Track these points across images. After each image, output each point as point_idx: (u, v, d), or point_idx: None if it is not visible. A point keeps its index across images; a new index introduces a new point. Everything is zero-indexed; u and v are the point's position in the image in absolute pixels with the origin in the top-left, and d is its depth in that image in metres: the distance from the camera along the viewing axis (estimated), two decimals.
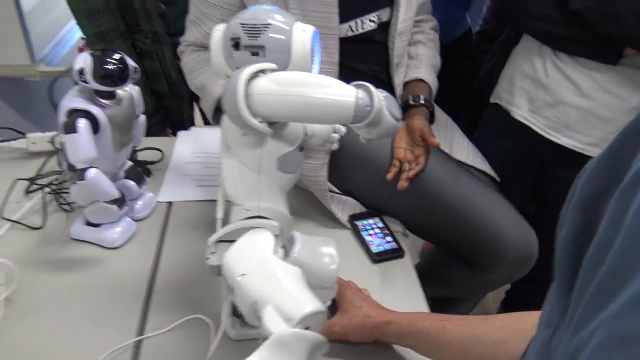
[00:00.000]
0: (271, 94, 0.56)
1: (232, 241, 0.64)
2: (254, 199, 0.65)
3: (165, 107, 1.45)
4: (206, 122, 1.40)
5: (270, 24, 0.61)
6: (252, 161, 0.63)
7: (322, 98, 0.57)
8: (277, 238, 0.65)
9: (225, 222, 0.68)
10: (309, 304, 0.56)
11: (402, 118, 0.64)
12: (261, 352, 0.53)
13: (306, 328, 0.56)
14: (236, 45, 0.62)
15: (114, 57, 0.82)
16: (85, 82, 0.82)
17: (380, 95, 0.60)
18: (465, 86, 1.42)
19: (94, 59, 0.81)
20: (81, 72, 0.81)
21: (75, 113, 0.82)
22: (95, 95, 0.85)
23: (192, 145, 1.28)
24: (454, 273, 1.08)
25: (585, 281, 0.26)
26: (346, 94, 0.57)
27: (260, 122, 0.57)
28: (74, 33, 1.48)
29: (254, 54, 0.62)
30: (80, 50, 1.41)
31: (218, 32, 0.64)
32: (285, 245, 0.70)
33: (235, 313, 0.78)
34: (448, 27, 1.40)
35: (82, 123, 0.81)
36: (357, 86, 0.59)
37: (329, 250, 0.72)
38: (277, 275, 0.59)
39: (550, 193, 1.28)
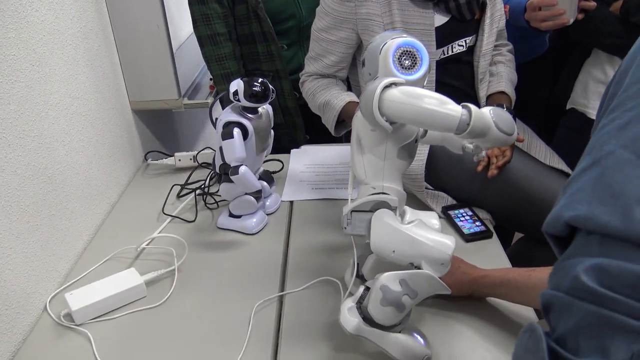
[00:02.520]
0: (397, 101, 0.73)
1: (363, 211, 0.84)
2: (379, 180, 0.84)
3: (277, 136, 1.71)
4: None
5: (371, 42, 0.82)
6: (378, 151, 0.83)
7: (435, 110, 0.72)
8: (395, 210, 0.85)
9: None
10: (449, 243, 0.77)
11: (514, 132, 0.76)
12: (406, 272, 0.76)
13: None
14: (361, 63, 0.85)
15: (259, 81, 1.08)
16: (238, 100, 1.08)
17: (486, 116, 0.73)
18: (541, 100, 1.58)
19: (244, 83, 1.08)
20: (235, 93, 1.08)
21: (230, 124, 1.09)
22: (244, 111, 1.11)
23: (303, 159, 1.52)
24: (536, 256, 1.21)
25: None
26: (454, 111, 0.72)
27: (386, 120, 0.76)
28: (203, 75, 1.81)
29: (364, 65, 0.83)
30: (211, 88, 1.73)
31: None
32: (400, 215, 0.90)
33: (357, 274, 0.98)
34: (528, 51, 1.57)
35: (237, 131, 1.07)
36: (464, 106, 0.72)
37: (432, 218, 0.90)
38: (415, 238, 0.78)
39: None
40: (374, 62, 0.79)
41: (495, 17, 1.25)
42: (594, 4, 1.24)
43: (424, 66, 0.79)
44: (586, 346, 0.33)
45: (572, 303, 0.35)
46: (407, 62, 0.78)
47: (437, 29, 1.17)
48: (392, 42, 0.78)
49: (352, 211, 0.86)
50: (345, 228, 0.87)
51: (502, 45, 1.36)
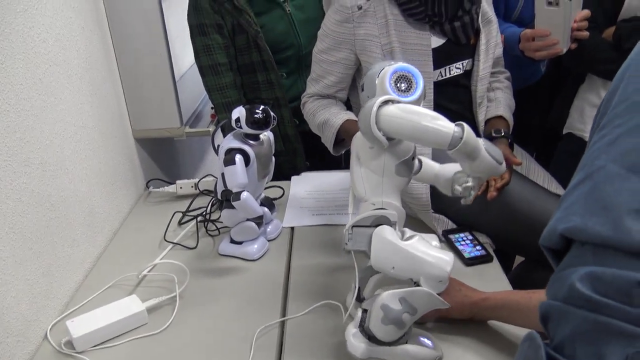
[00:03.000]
0: (394, 116, 0.77)
1: (363, 226, 0.86)
2: (378, 195, 0.87)
3: (277, 164, 1.73)
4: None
5: (370, 69, 0.87)
6: (377, 168, 0.85)
7: (429, 126, 0.77)
8: (395, 225, 0.86)
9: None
10: (447, 259, 0.78)
11: (503, 162, 0.82)
12: (405, 290, 0.77)
13: None
14: (361, 87, 0.89)
15: (260, 108, 1.11)
16: (240, 127, 1.10)
17: (478, 139, 0.79)
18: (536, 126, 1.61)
19: (246, 110, 1.10)
20: (237, 120, 1.10)
21: (232, 151, 1.10)
22: (246, 138, 1.13)
23: (304, 185, 1.54)
24: (537, 279, 1.21)
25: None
26: (447, 127, 0.77)
27: (383, 135, 0.79)
28: (204, 104, 1.84)
29: (363, 89, 0.88)
30: (213, 116, 1.76)
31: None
32: (400, 232, 0.91)
33: (357, 298, 0.98)
34: (523, 79, 1.60)
35: (239, 157, 1.09)
36: (457, 124, 0.77)
37: (432, 240, 0.91)
38: (414, 255, 0.79)
39: None
40: (372, 86, 0.83)
41: (490, 44, 1.28)
42: (586, 34, 1.27)
43: (419, 89, 0.83)
44: (583, 353, 0.34)
45: (569, 311, 0.35)
46: (403, 85, 0.82)
47: (434, 50, 1.21)
48: (389, 67, 0.82)
49: (353, 226, 0.87)
50: (347, 244, 0.88)
51: (499, 72, 1.39)
